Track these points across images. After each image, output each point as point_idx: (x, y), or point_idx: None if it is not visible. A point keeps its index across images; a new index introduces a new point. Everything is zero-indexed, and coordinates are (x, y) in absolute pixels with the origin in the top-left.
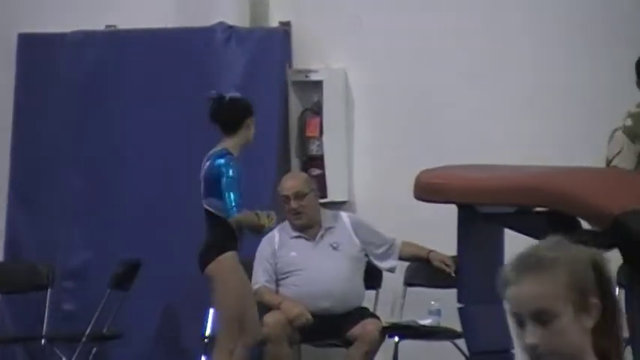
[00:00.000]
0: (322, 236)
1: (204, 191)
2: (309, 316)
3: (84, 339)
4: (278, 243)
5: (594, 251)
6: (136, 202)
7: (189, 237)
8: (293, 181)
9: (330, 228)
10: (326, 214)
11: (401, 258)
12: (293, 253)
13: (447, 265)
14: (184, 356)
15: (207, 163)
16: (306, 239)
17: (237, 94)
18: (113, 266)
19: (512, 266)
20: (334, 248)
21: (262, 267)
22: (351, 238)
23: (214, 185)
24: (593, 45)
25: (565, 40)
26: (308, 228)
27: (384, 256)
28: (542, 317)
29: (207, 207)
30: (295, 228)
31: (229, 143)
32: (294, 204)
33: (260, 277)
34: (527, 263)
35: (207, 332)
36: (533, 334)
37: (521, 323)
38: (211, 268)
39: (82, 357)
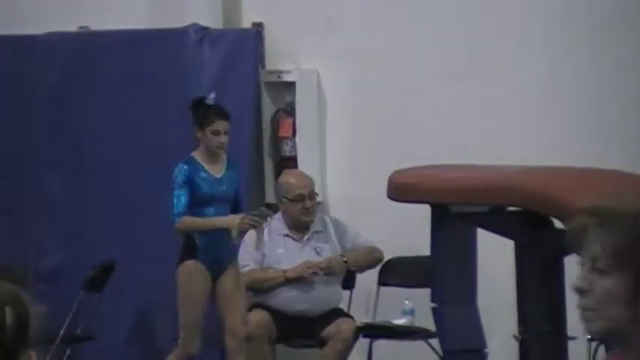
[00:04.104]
0: (309, 239)
1: None
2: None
3: (57, 340)
4: (267, 237)
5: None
6: (109, 203)
7: (163, 238)
8: (307, 180)
9: (317, 232)
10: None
11: None
12: (280, 250)
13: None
14: (156, 357)
15: None
16: (294, 239)
17: (211, 99)
18: (87, 268)
19: None
20: (317, 253)
21: (251, 255)
22: (334, 245)
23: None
24: (579, 44)
25: (547, 38)
26: (303, 229)
27: None
28: None
29: None
30: (288, 226)
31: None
32: (308, 203)
33: (249, 261)
34: None
35: None
36: None
37: None
38: (177, 272)
39: (56, 359)
